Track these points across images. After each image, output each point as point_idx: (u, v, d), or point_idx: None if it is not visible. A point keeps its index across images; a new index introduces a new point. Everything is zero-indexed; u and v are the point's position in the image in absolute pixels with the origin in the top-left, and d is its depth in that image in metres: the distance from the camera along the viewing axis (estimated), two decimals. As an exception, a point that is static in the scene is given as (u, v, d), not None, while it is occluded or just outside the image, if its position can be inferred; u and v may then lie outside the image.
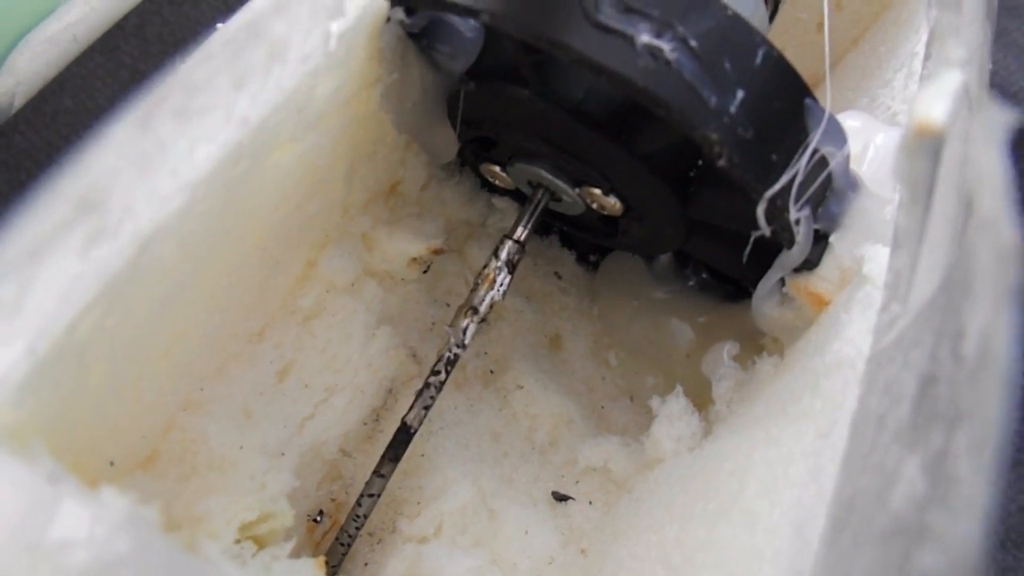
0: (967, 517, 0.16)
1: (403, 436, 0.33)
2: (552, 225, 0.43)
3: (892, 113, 0.36)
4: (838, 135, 0.30)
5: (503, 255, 0.34)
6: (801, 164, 0.28)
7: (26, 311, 0.19)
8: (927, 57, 0.33)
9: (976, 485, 0.16)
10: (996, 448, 0.15)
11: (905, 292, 0.24)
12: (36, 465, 0.20)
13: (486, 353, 0.39)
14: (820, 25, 0.44)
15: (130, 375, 0.27)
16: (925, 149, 0.20)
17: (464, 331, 0.33)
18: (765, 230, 0.29)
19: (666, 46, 0.26)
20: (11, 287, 0.19)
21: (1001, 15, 0.64)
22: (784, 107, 0.29)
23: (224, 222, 0.27)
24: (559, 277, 0.42)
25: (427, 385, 0.33)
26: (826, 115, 0.29)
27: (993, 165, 0.17)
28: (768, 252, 0.32)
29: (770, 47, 0.28)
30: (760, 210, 0.28)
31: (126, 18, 0.52)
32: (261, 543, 0.29)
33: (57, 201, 0.17)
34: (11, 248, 0.17)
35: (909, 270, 0.23)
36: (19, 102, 0.38)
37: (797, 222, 0.29)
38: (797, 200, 0.29)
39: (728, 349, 0.36)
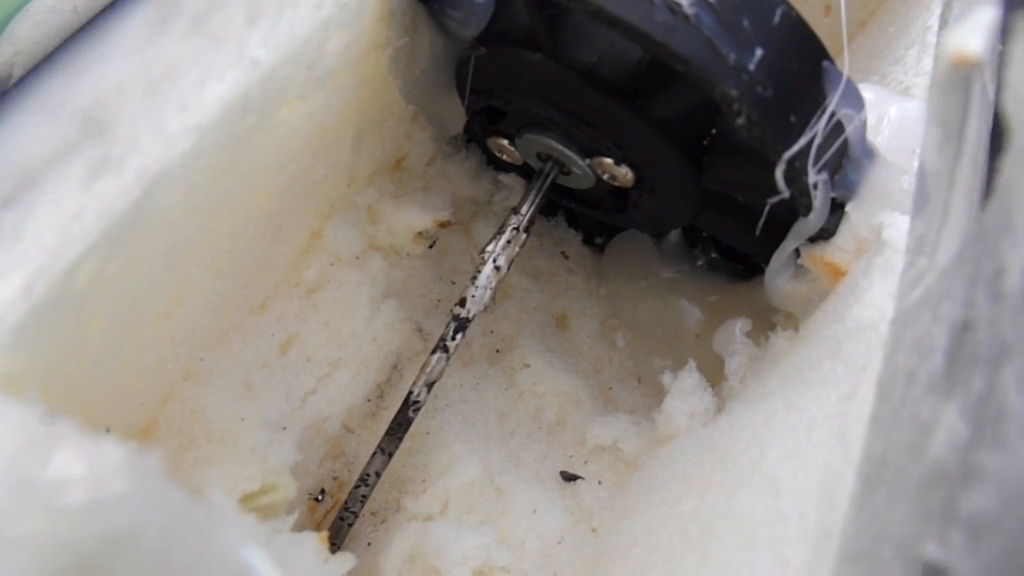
0: (1022, 447, 0.15)
1: (408, 412, 0.32)
2: (559, 205, 0.42)
3: (905, 87, 0.35)
4: (855, 98, 0.29)
5: (510, 227, 0.34)
6: (820, 126, 0.28)
7: (24, 242, 0.18)
8: (942, 26, 0.32)
9: (1031, 413, 0.15)
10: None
11: (933, 246, 0.23)
12: (30, 405, 0.19)
13: (492, 331, 0.38)
14: (827, 8, 0.44)
15: (130, 333, 0.26)
16: (959, 83, 0.19)
17: (470, 305, 0.32)
18: (784, 192, 0.28)
19: (684, 1, 0.26)
20: (9, 214, 0.18)
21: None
22: (802, 67, 0.28)
23: (230, 177, 0.26)
24: (566, 257, 0.41)
25: (432, 354, 0.32)
26: (844, 77, 0.29)
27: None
28: (781, 224, 0.32)
29: (788, 7, 0.28)
30: (778, 172, 0.28)
31: None
32: (263, 515, 0.28)
33: (62, 111, 0.16)
34: (11, 160, 0.16)
35: (939, 221, 0.22)
36: (18, 72, 0.37)
37: (815, 186, 0.29)
38: (816, 163, 0.28)
39: (740, 325, 0.35)
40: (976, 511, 0.16)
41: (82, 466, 0.17)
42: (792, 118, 0.28)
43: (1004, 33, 0.19)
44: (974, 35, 0.19)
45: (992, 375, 0.18)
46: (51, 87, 0.16)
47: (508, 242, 0.33)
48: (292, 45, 0.24)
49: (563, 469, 0.35)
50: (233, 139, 0.24)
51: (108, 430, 0.27)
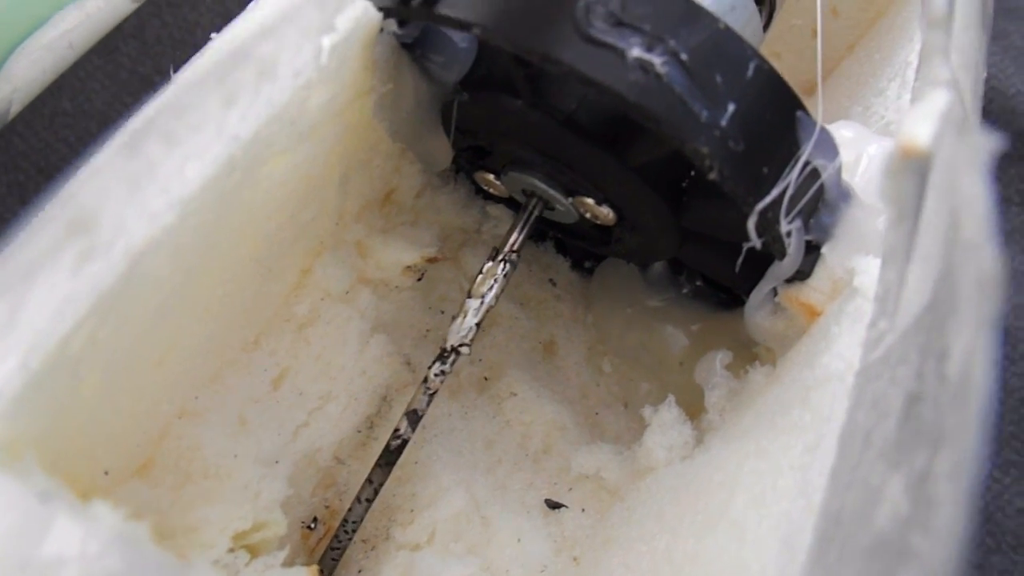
0: (945, 541, 0.16)
1: (396, 443, 0.33)
2: (547, 232, 0.43)
3: (886, 123, 0.36)
4: (829, 147, 0.30)
5: (495, 263, 0.34)
6: (792, 176, 0.28)
7: (19, 328, 0.20)
8: (919, 71, 0.33)
9: (954, 510, 0.16)
10: (972, 474, 0.16)
11: (893, 309, 0.24)
12: (28, 481, 0.20)
13: (480, 360, 0.39)
14: (816, 31, 0.44)
15: (124, 385, 0.27)
16: (911, 170, 0.20)
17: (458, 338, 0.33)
18: (756, 242, 0.29)
19: (657, 60, 0.26)
20: (3, 306, 0.19)
21: (1000, 17, 0.64)
22: (775, 120, 0.29)
23: (217, 234, 0.27)
24: (554, 284, 0.42)
25: (420, 390, 0.33)
26: (817, 127, 0.29)
27: (975, 191, 0.17)
28: (761, 262, 0.32)
29: (761, 60, 0.28)
30: (751, 222, 0.28)
31: (125, 20, 0.52)
32: (254, 552, 0.30)
33: (47, 225, 0.17)
34: (2, 271, 0.17)
35: (896, 288, 0.23)
36: (16, 108, 0.38)
37: (788, 234, 0.29)
38: (788, 212, 0.29)
39: (721, 358, 0.36)
40: (908, 593, 0.17)
41: (76, 543, 0.19)
42: (765, 170, 0.28)
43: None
44: (925, 124, 0.19)
45: (931, 457, 0.18)
46: (32, 211, 0.17)
47: (493, 278, 0.34)
48: (273, 111, 0.25)
49: (548, 497, 0.36)
50: (219, 199, 0.25)
51: (106, 473, 0.29)
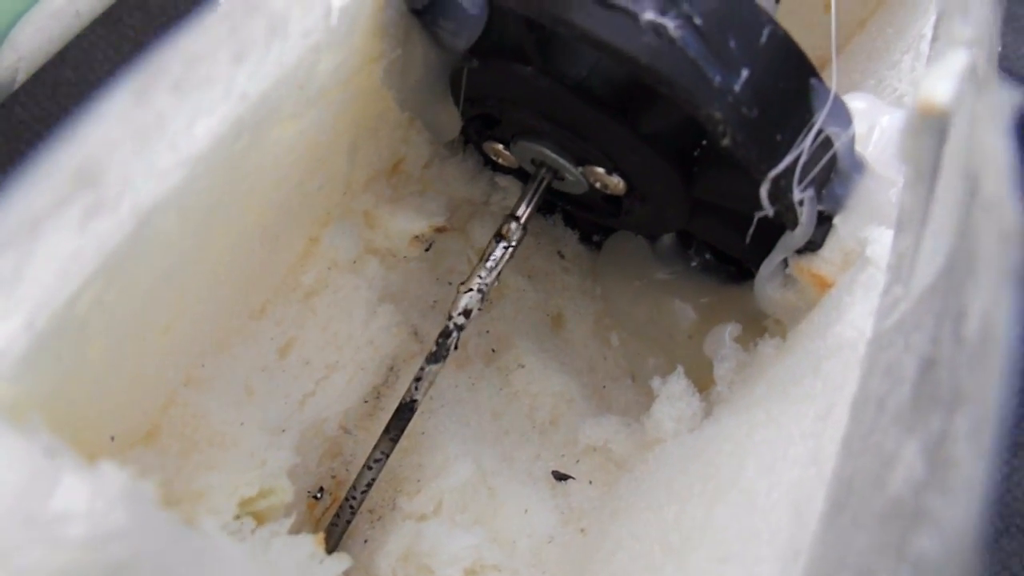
0: (964, 501, 0.15)
1: (403, 414, 0.33)
2: (555, 204, 0.43)
3: (899, 95, 0.35)
4: (843, 116, 0.29)
5: (504, 234, 0.34)
6: (805, 144, 0.28)
7: (24, 285, 0.19)
8: (935, 39, 0.32)
9: (974, 469, 0.16)
10: (995, 432, 0.15)
11: (907, 275, 0.24)
12: (34, 439, 0.20)
13: (487, 332, 0.39)
14: (827, 6, 0.44)
15: (130, 350, 0.27)
16: (929, 129, 0.19)
17: (461, 306, 0.33)
18: (768, 210, 0.29)
19: (670, 23, 0.26)
20: (8, 261, 0.19)
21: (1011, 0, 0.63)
22: (789, 87, 0.28)
23: (225, 197, 0.27)
24: (562, 256, 0.42)
25: (427, 362, 0.33)
26: (831, 95, 0.29)
27: (997, 147, 0.17)
28: (771, 233, 0.32)
29: (776, 26, 0.28)
30: (763, 190, 0.28)
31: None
32: (261, 519, 0.30)
33: (53, 174, 0.17)
34: (7, 221, 0.17)
35: (912, 252, 0.23)
36: (22, 77, 0.38)
37: (800, 203, 0.29)
38: (801, 181, 0.28)
39: (730, 330, 0.35)
40: (923, 553, 0.17)
41: (83, 500, 0.19)
42: (778, 137, 0.28)
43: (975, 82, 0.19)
44: (944, 82, 0.19)
45: (947, 419, 0.18)
46: (39, 158, 0.16)
47: (502, 249, 0.34)
48: (282, 72, 0.25)
49: (555, 469, 0.36)
50: (227, 163, 0.25)
51: (112, 439, 0.29)
